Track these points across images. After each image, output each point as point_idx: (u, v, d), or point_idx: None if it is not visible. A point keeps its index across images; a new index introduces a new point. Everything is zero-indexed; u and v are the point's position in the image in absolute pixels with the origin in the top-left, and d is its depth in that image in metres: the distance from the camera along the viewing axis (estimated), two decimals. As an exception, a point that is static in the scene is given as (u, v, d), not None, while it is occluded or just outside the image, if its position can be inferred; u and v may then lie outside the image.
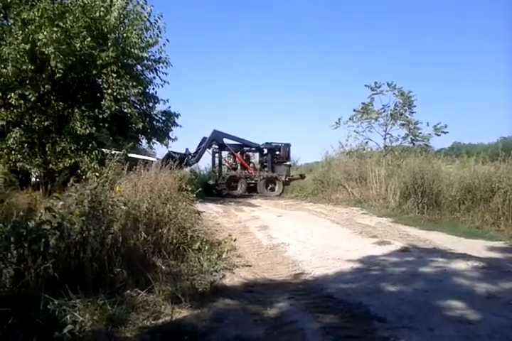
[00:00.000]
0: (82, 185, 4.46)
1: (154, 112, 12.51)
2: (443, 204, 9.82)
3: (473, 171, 9.87)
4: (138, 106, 11.94)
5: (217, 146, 19.01)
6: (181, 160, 15.24)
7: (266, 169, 19.01)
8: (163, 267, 4.36)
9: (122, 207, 4.43)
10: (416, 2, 79.10)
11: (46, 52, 9.48)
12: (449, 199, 9.77)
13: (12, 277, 3.40)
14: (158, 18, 11.79)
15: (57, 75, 9.74)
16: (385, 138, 18.69)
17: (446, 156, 13.59)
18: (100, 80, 11.16)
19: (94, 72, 10.59)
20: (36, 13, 9.70)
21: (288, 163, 19.52)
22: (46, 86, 9.91)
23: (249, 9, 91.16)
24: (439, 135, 18.02)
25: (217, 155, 19.49)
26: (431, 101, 63.49)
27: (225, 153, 19.68)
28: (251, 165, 19.33)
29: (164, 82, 12.56)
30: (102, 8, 10.73)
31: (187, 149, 18.27)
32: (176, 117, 13.02)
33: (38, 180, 11.25)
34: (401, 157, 15.89)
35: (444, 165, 11.88)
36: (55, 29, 9.55)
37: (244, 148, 19.45)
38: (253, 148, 19.68)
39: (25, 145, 10.32)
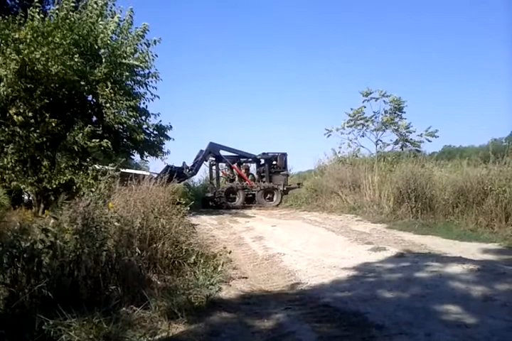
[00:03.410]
0: (75, 202, 4.45)
1: (145, 126, 12.56)
2: (436, 208, 9.87)
3: (465, 174, 9.92)
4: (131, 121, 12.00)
5: (213, 158, 19.01)
6: (179, 173, 15.23)
7: (264, 179, 19.01)
8: (159, 282, 4.34)
9: (115, 223, 4.41)
10: (407, 6, 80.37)
11: (47, 69, 9.52)
12: (442, 203, 9.81)
13: (6, 298, 3.38)
14: (143, 32, 11.87)
15: (52, 93, 9.83)
16: (376, 144, 18.85)
17: (439, 160, 13.66)
18: (92, 95, 11.24)
19: (87, 87, 10.65)
20: (29, 32, 9.77)
21: (285, 172, 19.52)
22: (40, 103, 9.91)
23: (241, 16, 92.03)
24: (430, 141, 18.24)
25: (214, 167, 19.48)
26: (421, 105, 64.18)
27: (222, 165, 19.68)
28: (250, 176, 19.32)
29: (154, 96, 12.63)
30: (90, 25, 10.86)
31: (184, 163, 18.27)
32: (168, 129, 13.07)
33: (30, 198, 11.21)
34: (393, 162, 15.98)
35: (437, 169, 11.95)
36: (51, 46, 9.63)
37: (241, 159, 19.45)
38: (250, 159, 19.69)
39: (17, 163, 10.29)
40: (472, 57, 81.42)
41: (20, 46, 9.60)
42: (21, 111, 9.72)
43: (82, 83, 10.45)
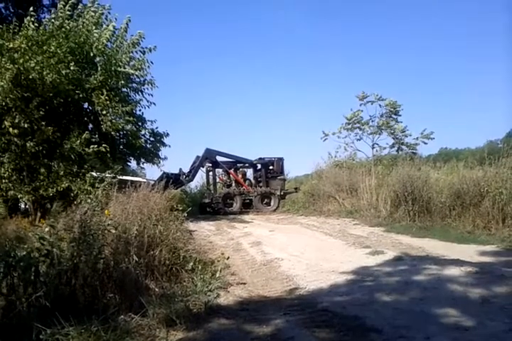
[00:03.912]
0: (72, 210, 4.45)
1: (142, 132, 12.58)
2: (434, 210, 9.87)
3: (462, 176, 9.94)
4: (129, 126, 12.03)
5: (210, 164, 18.99)
6: (176, 180, 15.20)
7: (260, 184, 18.99)
8: (157, 289, 4.33)
9: (113, 230, 4.40)
10: (403, 10, 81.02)
11: (42, 78, 9.51)
12: (439, 206, 9.82)
13: (3, 308, 3.36)
14: (139, 39, 11.93)
15: (48, 101, 9.83)
16: (373, 148, 18.90)
17: (435, 162, 13.69)
18: (88, 103, 11.25)
19: (83, 95, 10.67)
20: (24, 41, 9.78)
21: (282, 177, 19.51)
22: (36, 113, 9.88)
23: (238, 21, 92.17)
24: (426, 143, 18.30)
25: (211, 173, 19.45)
26: (417, 107, 64.44)
27: (219, 171, 19.64)
28: (247, 181, 19.30)
29: (150, 103, 12.69)
30: (86, 33, 10.91)
31: (180, 169, 18.26)
32: (164, 136, 13.10)
33: (27, 206, 11.17)
34: (389, 165, 16.01)
35: (433, 171, 11.97)
36: (46, 55, 9.64)
37: (238, 165, 19.44)
38: (246, 164, 19.68)
39: (14, 172, 10.26)
40: (467, 59, 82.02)
41: (15, 55, 9.61)
42: (16, 121, 9.70)
43: (78, 91, 10.47)
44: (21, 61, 9.50)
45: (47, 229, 3.99)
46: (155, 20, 73.49)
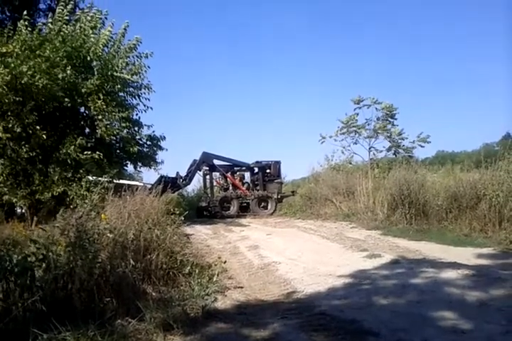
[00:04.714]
0: (68, 214, 4.43)
1: (139, 137, 12.56)
2: (430, 213, 9.88)
3: (458, 179, 9.96)
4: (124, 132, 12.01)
5: (207, 168, 18.98)
6: (173, 183, 15.22)
7: (258, 188, 18.99)
8: (154, 294, 4.31)
9: (109, 234, 4.39)
10: (396, 15, 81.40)
11: (34, 82, 9.48)
12: (436, 209, 9.83)
13: (-1, 313, 3.35)
14: (136, 44, 11.95)
15: (42, 106, 9.80)
16: (369, 151, 18.91)
17: (432, 165, 13.71)
18: (84, 107, 11.22)
19: (79, 100, 10.64)
20: (17, 46, 9.76)
21: (279, 180, 19.51)
22: (30, 117, 9.84)
23: (234, 26, 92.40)
24: (422, 147, 18.32)
25: (208, 176, 19.44)
26: (413, 111, 64.65)
27: (216, 174, 19.62)
28: (245, 185, 19.29)
29: (147, 107, 12.65)
30: (83, 37, 10.90)
31: (177, 173, 18.27)
32: (161, 140, 13.08)
33: (23, 211, 11.13)
34: (386, 168, 16.03)
35: (430, 174, 11.99)
36: (38, 60, 9.61)
37: (235, 168, 19.44)
38: (243, 168, 19.68)
39: (10, 177, 10.23)
40: (464, 62, 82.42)
41: (9, 60, 9.59)
42: (10, 126, 9.66)
43: (70, 98, 10.41)
44: (13, 65, 9.47)
45: (48, 234, 3.99)
46: (155, 22, 73.65)
